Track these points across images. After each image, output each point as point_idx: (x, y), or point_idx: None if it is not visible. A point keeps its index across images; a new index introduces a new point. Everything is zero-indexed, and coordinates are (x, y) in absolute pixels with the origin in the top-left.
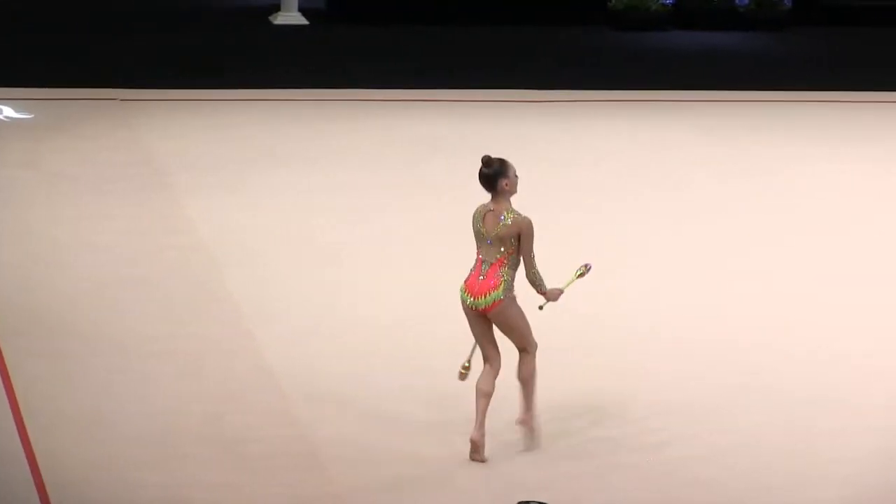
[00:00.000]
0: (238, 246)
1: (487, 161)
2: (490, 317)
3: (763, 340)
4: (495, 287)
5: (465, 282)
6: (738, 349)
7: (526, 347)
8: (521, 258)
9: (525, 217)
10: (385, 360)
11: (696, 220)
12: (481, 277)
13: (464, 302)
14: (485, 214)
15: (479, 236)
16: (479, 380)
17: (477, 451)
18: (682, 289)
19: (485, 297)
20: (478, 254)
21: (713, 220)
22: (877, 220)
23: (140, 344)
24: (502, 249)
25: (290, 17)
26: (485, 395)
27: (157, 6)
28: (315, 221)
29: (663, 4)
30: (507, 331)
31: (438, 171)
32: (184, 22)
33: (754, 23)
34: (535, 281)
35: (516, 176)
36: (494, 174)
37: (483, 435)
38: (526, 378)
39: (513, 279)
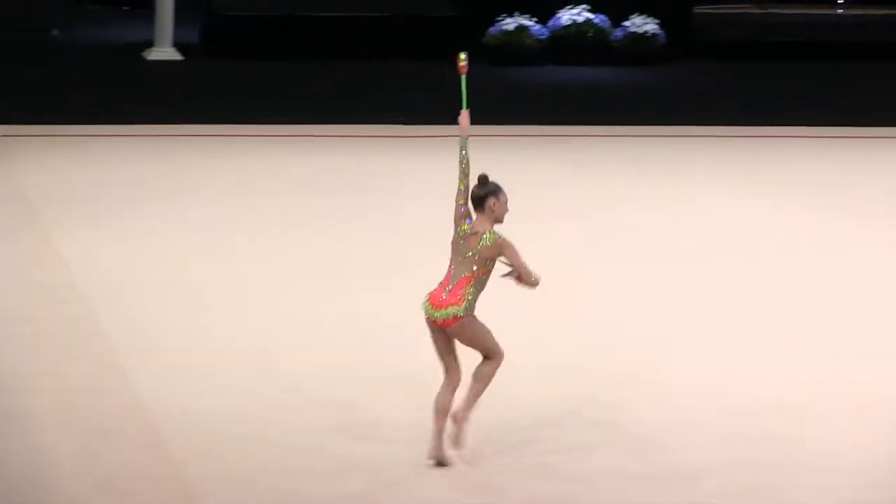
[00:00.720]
0: (110, 282)
1: (484, 180)
2: (448, 332)
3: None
4: (456, 303)
5: (430, 293)
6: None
7: (492, 356)
8: (517, 275)
9: (503, 238)
10: (259, 396)
11: (566, 252)
12: (445, 293)
13: (425, 313)
14: (468, 232)
15: (456, 249)
16: (437, 396)
17: (435, 459)
18: (540, 316)
19: (444, 310)
20: (449, 268)
21: (583, 252)
22: (751, 251)
23: (11, 380)
24: (474, 268)
25: (163, 52)
26: (443, 412)
27: (30, 41)
28: (188, 257)
29: (537, 39)
30: (469, 344)
31: (311, 207)
32: (57, 58)
33: (628, 58)
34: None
35: (507, 203)
36: (486, 194)
37: (443, 452)
38: (480, 377)
39: (475, 299)
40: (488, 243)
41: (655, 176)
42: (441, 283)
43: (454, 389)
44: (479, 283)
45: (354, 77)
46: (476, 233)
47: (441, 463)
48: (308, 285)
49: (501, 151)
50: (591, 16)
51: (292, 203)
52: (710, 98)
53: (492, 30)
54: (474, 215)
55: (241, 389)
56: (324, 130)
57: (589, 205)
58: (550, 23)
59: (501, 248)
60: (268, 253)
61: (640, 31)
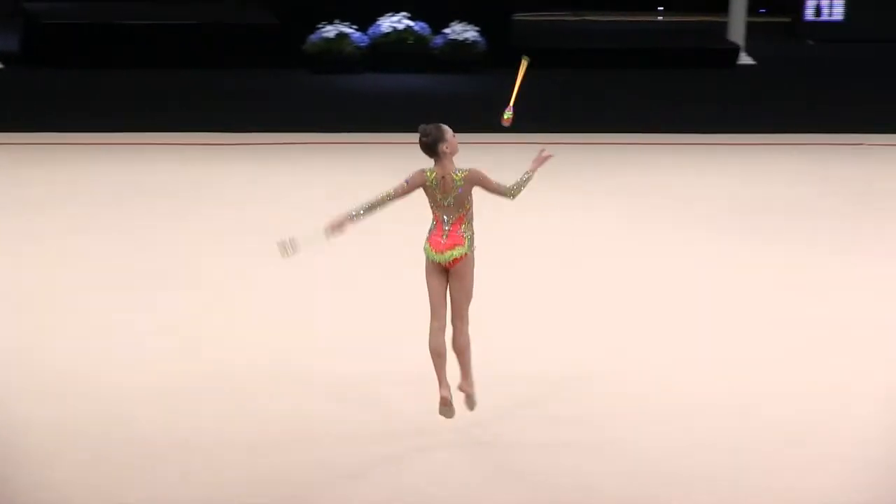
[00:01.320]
0: None
1: (425, 131)
2: (454, 270)
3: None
4: (460, 244)
5: (428, 241)
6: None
7: (463, 311)
8: (497, 194)
9: (470, 168)
10: (82, 408)
11: (388, 259)
12: (444, 237)
13: (429, 257)
14: (439, 181)
15: (436, 201)
16: (431, 340)
17: (447, 405)
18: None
19: (451, 251)
20: (435, 216)
21: (405, 260)
22: (587, 261)
23: None
24: (461, 209)
25: None
26: (440, 355)
27: None
28: (17, 266)
29: (357, 47)
30: (461, 285)
31: (136, 215)
32: None
33: (449, 65)
34: (521, 187)
35: (454, 136)
36: (434, 141)
37: (449, 389)
38: (462, 348)
39: (473, 233)
40: (461, 182)
41: None
42: (432, 232)
43: (444, 330)
44: (469, 218)
45: (174, 85)
46: (444, 177)
47: (447, 403)
48: (138, 296)
49: (324, 159)
50: (411, 23)
51: (102, 211)
52: (527, 105)
53: (312, 37)
54: (432, 163)
55: (63, 404)
56: (144, 139)
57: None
58: (371, 30)
59: (473, 178)
60: (104, 264)
61: (460, 38)
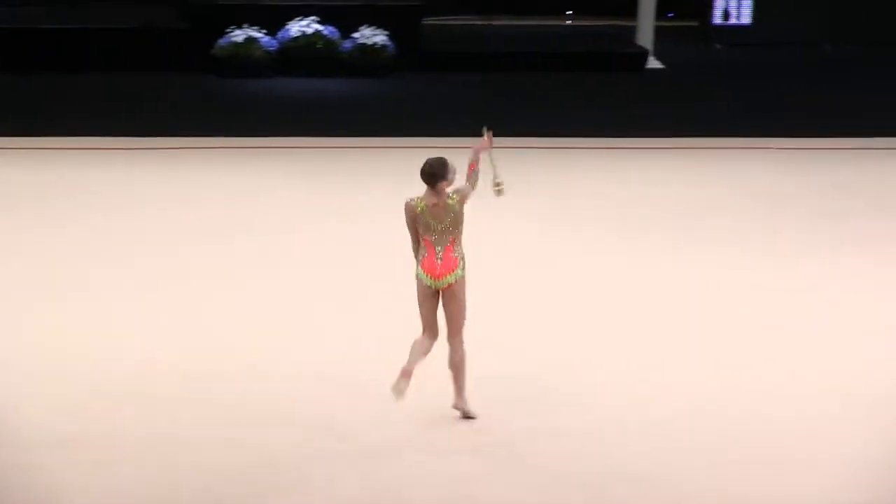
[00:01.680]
0: None
1: (431, 165)
2: (449, 293)
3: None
4: (456, 267)
5: (422, 266)
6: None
7: (459, 329)
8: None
9: (457, 189)
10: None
11: (293, 262)
12: (439, 260)
13: (423, 284)
14: (430, 209)
15: (429, 227)
16: (416, 343)
17: (406, 379)
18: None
19: (449, 276)
20: (426, 242)
21: (311, 263)
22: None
23: None
24: (457, 230)
25: None
26: (422, 351)
27: None
28: None
29: (266, 51)
30: (456, 306)
31: (35, 219)
32: None
33: (358, 69)
34: (474, 180)
35: (454, 173)
36: (437, 177)
37: (411, 375)
38: (458, 363)
39: (464, 254)
40: (456, 206)
41: (388, 186)
42: (425, 257)
43: (433, 342)
44: (459, 240)
45: (85, 89)
46: (436, 203)
47: (407, 376)
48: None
49: (230, 163)
50: (320, 27)
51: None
52: (437, 109)
53: (221, 41)
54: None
55: None
56: (49, 143)
57: (319, 215)
58: (280, 34)
59: (463, 197)
60: None
61: (369, 42)
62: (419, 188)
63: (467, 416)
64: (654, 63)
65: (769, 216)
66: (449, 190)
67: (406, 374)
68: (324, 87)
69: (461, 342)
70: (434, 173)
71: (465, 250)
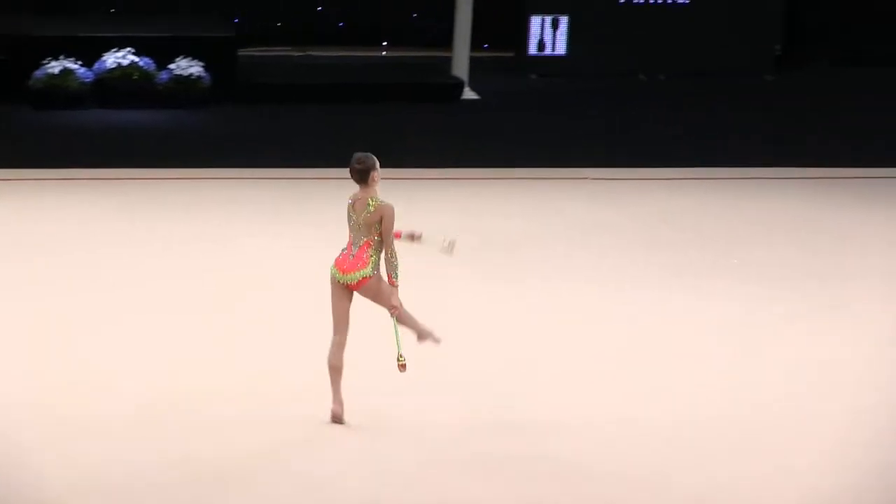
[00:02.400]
0: None
1: (359, 158)
2: (360, 291)
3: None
4: (364, 265)
5: (336, 260)
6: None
7: (413, 321)
8: (381, 240)
9: (387, 203)
10: None
11: (111, 297)
12: (351, 257)
13: (333, 277)
14: (355, 202)
15: (350, 220)
16: (330, 356)
17: (339, 419)
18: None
19: (353, 273)
20: (349, 237)
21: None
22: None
23: None
24: (368, 234)
25: None
26: (336, 370)
27: None
28: None
29: (82, 82)
30: (375, 300)
31: None
32: None
33: (174, 100)
34: (391, 262)
35: (377, 163)
36: (367, 168)
37: (342, 404)
38: (408, 321)
39: (379, 259)
40: (371, 209)
41: (206, 217)
42: (343, 251)
43: (343, 347)
44: (377, 246)
45: None
46: (360, 199)
47: (338, 419)
48: None
49: (50, 196)
50: (136, 59)
51: None
52: (256, 140)
53: (37, 73)
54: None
55: None
56: None
57: (137, 247)
58: (96, 66)
59: (381, 211)
60: None
61: (185, 73)
62: (238, 221)
63: (432, 339)
64: (469, 94)
65: (587, 245)
66: (382, 198)
67: (335, 416)
68: (139, 119)
69: (424, 327)
70: (364, 168)
71: (399, 270)
